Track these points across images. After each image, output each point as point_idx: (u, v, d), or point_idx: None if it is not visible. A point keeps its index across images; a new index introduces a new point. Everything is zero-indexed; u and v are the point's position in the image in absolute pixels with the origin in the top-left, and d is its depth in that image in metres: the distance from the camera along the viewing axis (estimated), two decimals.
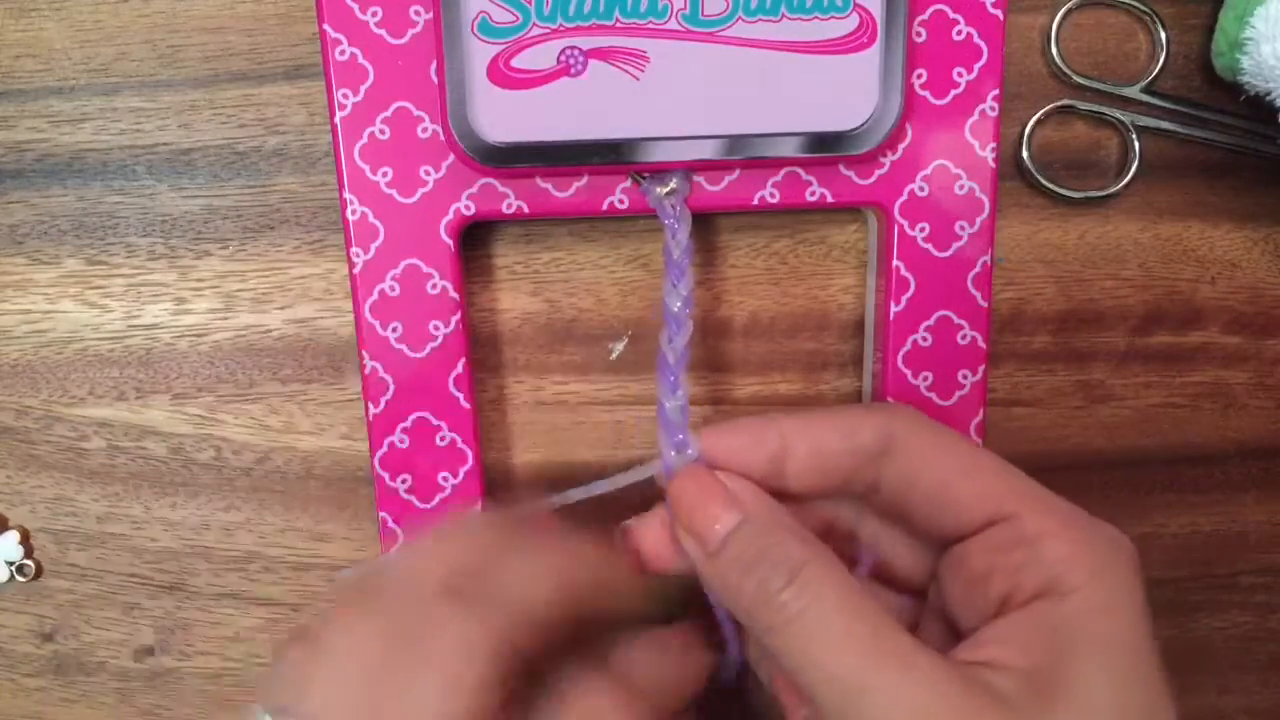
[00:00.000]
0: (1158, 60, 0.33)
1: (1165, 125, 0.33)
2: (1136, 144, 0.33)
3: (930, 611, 0.28)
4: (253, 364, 0.34)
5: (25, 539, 0.35)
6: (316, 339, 0.34)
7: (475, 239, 0.34)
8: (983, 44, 0.31)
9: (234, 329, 0.34)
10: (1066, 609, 0.24)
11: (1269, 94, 0.30)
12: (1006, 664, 0.24)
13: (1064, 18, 0.33)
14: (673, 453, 0.28)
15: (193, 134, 0.33)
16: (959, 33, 0.31)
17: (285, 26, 0.32)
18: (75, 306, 0.34)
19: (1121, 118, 0.33)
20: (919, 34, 0.30)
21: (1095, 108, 0.33)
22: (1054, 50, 0.33)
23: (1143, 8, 0.33)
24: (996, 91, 0.31)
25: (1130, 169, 0.33)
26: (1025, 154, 0.33)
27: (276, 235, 0.34)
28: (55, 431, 0.35)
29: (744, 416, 0.28)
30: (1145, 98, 0.33)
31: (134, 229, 0.34)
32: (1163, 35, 0.33)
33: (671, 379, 0.28)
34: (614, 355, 0.35)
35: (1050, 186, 0.33)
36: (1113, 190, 0.34)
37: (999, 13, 0.30)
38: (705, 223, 0.34)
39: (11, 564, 0.35)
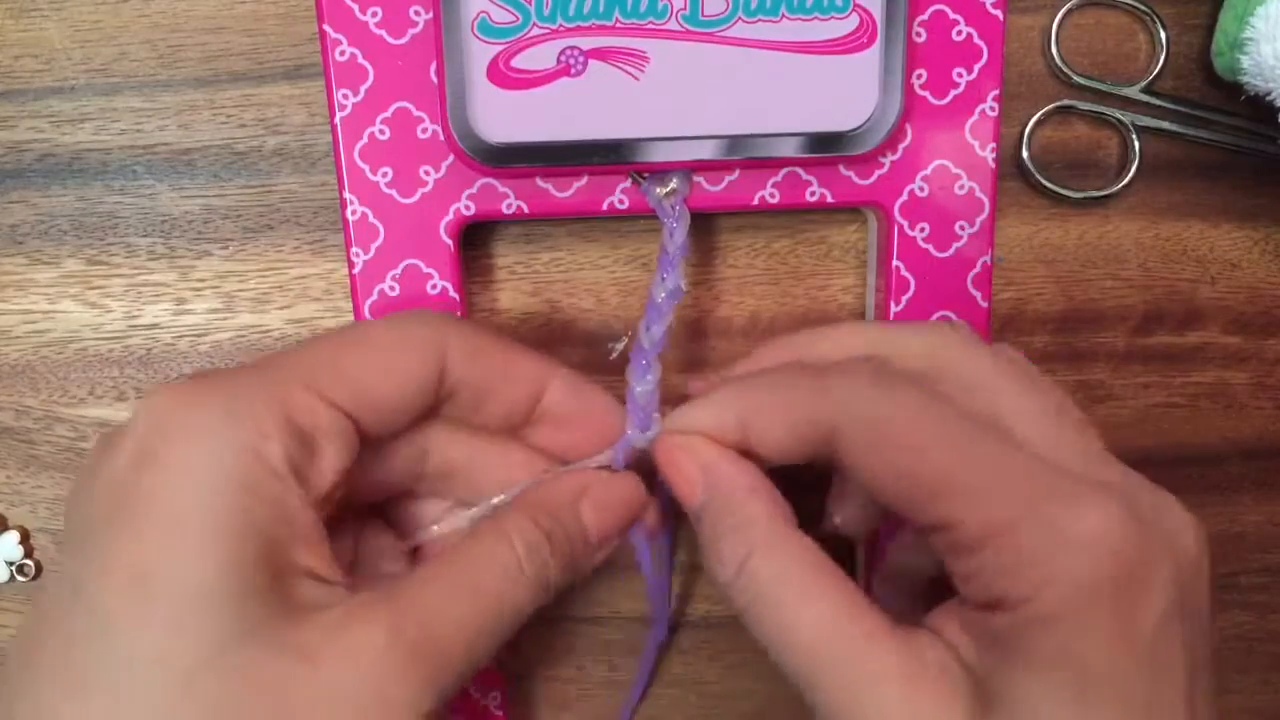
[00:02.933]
0: (1158, 60, 0.33)
1: (1165, 125, 0.33)
2: (1136, 144, 0.33)
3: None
4: None
5: (25, 539, 0.35)
6: None
7: (475, 239, 0.34)
8: (983, 44, 0.31)
9: (234, 329, 0.34)
10: (1006, 622, 0.22)
11: (1269, 94, 0.30)
12: (961, 656, 0.23)
13: (1064, 18, 0.33)
14: (638, 433, 0.28)
15: (193, 134, 0.33)
16: (959, 33, 0.31)
17: (285, 26, 0.32)
18: (75, 306, 0.34)
19: (1121, 118, 0.33)
20: (919, 34, 0.30)
21: (1095, 108, 0.33)
22: (1054, 50, 0.33)
23: (1143, 8, 0.33)
24: (996, 91, 0.31)
25: (1130, 169, 0.33)
26: (1025, 154, 0.33)
27: (276, 235, 0.34)
28: (55, 431, 0.35)
29: (708, 396, 0.27)
30: (1145, 98, 0.33)
31: (134, 229, 0.34)
32: (1163, 35, 0.33)
33: (644, 363, 0.29)
34: (614, 355, 0.34)
35: (1050, 186, 0.33)
36: (1113, 190, 0.34)
37: (999, 13, 0.30)
38: (705, 223, 0.34)
39: (11, 564, 0.35)
